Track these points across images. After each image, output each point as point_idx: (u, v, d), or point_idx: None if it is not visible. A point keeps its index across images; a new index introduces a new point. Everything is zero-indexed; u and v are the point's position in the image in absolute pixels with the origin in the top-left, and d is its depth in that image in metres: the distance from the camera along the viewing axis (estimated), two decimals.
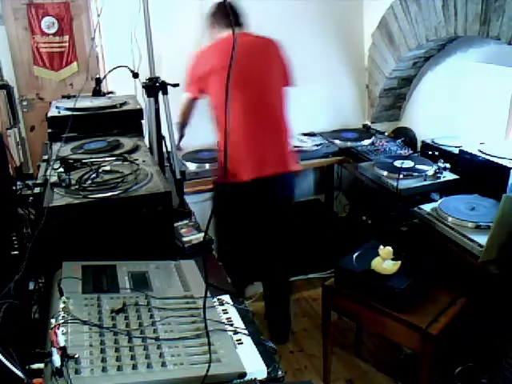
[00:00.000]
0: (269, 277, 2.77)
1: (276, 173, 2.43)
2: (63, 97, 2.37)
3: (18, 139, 3.49)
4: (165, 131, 2.45)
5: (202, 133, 2.78)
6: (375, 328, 2.15)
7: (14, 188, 1.62)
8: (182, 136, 2.73)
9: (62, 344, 0.94)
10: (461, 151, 2.43)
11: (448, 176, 2.51)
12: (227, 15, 2.41)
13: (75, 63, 3.81)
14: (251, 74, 2.34)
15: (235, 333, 1.13)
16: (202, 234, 1.69)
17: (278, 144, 2.46)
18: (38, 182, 1.53)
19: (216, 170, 2.61)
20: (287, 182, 2.53)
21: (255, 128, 2.39)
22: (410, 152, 2.94)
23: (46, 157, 1.79)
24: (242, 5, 2.37)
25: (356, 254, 2.13)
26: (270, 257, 2.67)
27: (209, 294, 1.15)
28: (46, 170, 1.62)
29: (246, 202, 2.48)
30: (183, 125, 2.67)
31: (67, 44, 3.76)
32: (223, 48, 2.33)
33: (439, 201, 2.26)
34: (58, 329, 0.98)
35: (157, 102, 2.39)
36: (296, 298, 3.08)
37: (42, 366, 0.93)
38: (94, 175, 1.51)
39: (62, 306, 1.08)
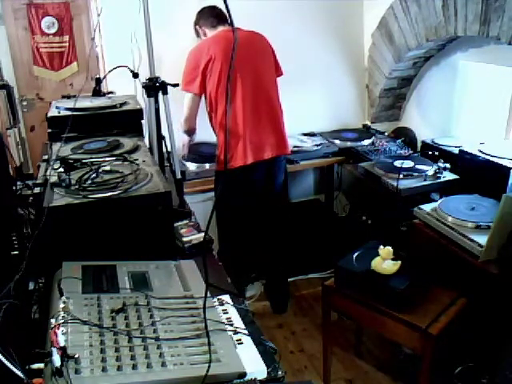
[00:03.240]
0: (268, 261, 2.93)
1: (274, 156, 2.61)
2: (63, 97, 2.37)
3: (18, 139, 3.48)
4: (165, 131, 2.46)
5: (202, 128, 2.77)
6: (375, 328, 2.15)
7: (14, 188, 1.62)
8: (190, 144, 2.76)
9: (62, 344, 0.94)
10: (461, 151, 2.43)
11: (448, 176, 2.51)
12: (208, 17, 2.61)
13: (75, 63, 3.81)
14: (248, 64, 2.48)
15: (235, 333, 1.13)
16: (202, 234, 1.69)
17: (275, 129, 2.61)
18: (38, 181, 1.53)
19: (217, 157, 2.64)
20: (283, 165, 2.74)
21: (254, 114, 2.53)
22: (410, 152, 2.94)
23: (46, 157, 1.78)
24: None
25: (356, 253, 2.13)
26: (269, 239, 2.85)
27: (209, 294, 1.15)
28: (46, 169, 1.62)
29: (247, 185, 2.60)
30: (192, 131, 2.67)
31: (67, 44, 3.75)
32: (219, 39, 2.50)
33: (439, 201, 2.26)
34: (58, 329, 0.98)
35: (157, 101, 2.40)
36: (296, 297, 3.09)
37: (42, 366, 0.93)
38: (94, 175, 1.51)
39: (61, 306, 1.07)
